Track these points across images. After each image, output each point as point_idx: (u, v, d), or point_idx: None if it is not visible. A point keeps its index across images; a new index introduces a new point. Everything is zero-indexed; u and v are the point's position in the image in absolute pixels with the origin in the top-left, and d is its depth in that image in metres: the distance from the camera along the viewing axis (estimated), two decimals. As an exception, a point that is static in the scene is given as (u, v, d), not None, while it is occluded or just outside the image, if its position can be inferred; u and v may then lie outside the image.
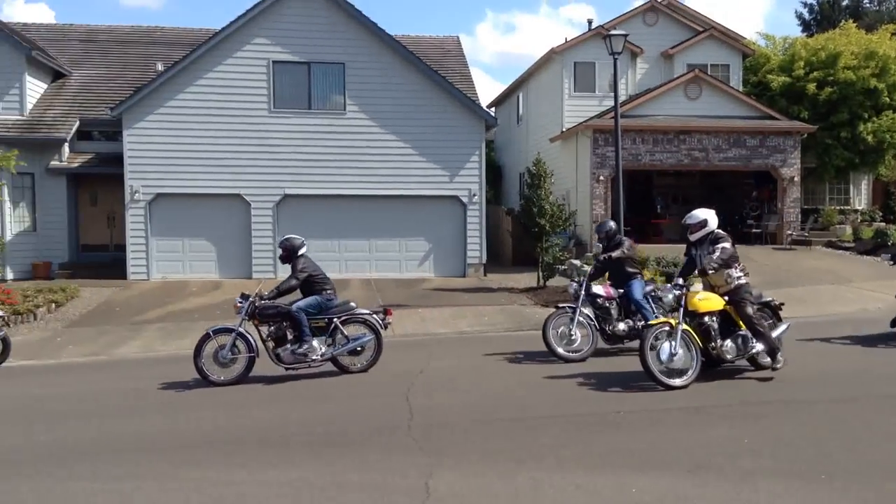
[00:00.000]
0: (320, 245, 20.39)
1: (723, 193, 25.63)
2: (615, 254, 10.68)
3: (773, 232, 23.61)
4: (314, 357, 9.42)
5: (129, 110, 19.62)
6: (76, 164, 21.07)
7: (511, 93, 31.46)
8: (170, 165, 19.74)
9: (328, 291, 9.71)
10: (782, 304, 9.33)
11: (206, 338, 9.39)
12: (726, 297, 8.60)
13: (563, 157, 24.53)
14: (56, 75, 22.91)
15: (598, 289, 10.59)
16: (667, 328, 8.28)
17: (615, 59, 16.50)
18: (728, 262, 8.55)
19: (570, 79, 24.98)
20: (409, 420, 7.33)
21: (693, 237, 8.91)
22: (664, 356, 8.12)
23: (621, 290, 10.64)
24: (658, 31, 26.51)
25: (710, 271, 8.47)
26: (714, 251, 8.50)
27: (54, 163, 20.81)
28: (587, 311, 10.41)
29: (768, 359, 8.64)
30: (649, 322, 9.14)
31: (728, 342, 8.47)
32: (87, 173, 21.31)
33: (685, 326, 8.29)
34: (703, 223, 8.79)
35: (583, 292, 10.36)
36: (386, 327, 9.95)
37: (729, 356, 8.48)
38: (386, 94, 20.47)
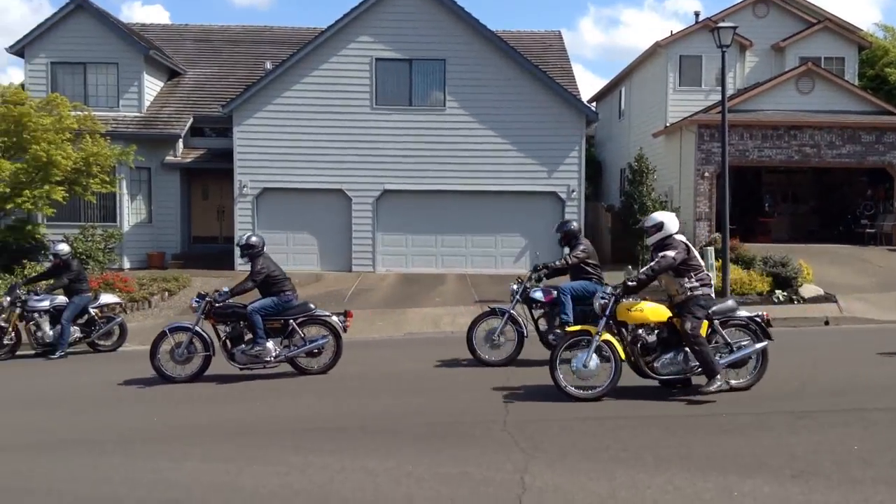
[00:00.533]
0: (418, 240, 20.71)
1: (835, 192, 24.46)
2: (571, 259, 10.03)
3: (889, 232, 22.35)
4: (268, 358, 9.42)
5: (239, 108, 20.39)
6: (189, 160, 22.05)
7: (613, 87, 30.96)
8: (276, 161, 20.40)
9: (287, 293, 9.68)
10: (770, 319, 8.21)
11: (161, 336, 9.54)
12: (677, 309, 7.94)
13: (667, 153, 23.97)
14: (172, 74, 24.02)
15: (538, 294, 10.10)
16: (587, 337, 7.83)
17: (723, 53, 16.00)
18: (680, 270, 7.82)
19: (675, 73, 24.38)
20: (505, 415, 7.34)
21: (649, 241, 8.24)
22: (575, 366, 7.70)
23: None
24: (768, 23, 25.53)
25: (631, 283, 7.81)
26: (655, 258, 7.86)
27: (169, 158, 21.84)
28: (520, 314, 10.10)
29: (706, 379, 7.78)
30: (567, 330, 8.60)
31: (664, 357, 7.84)
32: (200, 168, 22.27)
33: (607, 336, 7.76)
34: (659, 226, 7.99)
35: (518, 296, 10.05)
36: (345, 330, 9.75)
37: (662, 372, 7.86)
38: (486, 89, 20.52)
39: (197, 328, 9.49)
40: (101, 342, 12.34)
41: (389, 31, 20.47)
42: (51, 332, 11.87)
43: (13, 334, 11.96)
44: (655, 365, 7.84)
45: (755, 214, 24.54)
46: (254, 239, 9.82)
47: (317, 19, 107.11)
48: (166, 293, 16.92)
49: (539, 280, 10.26)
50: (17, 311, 11.89)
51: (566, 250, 10.47)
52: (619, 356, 7.74)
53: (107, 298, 12.78)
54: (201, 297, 9.66)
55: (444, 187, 20.58)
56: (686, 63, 24.37)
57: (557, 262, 10.25)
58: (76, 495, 5.63)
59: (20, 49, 21.78)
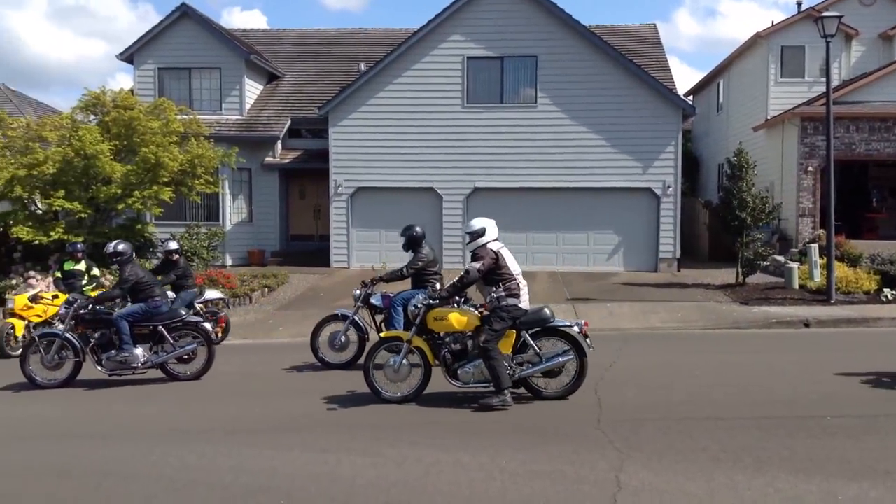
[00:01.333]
0: (508, 238, 20.43)
1: (952, 186, 23.07)
2: (408, 271, 10.30)
3: None
4: (135, 364, 9.46)
5: (335, 109, 20.87)
6: (287, 160, 22.72)
7: (711, 80, 30.10)
8: (370, 161, 20.79)
9: (155, 299, 9.64)
10: (587, 330, 7.92)
11: (31, 343, 9.62)
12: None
13: (768, 147, 23.15)
14: (271, 77, 24.79)
15: (375, 299, 10.37)
16: (398, 342, 8.05)
17: (827, 43, 15.34)
18: (490, 279, 7.81)
19: (777, 64, 23.51)
20: (599, 414, 7.30)
21: (469, 248, 8.13)
22: (386, 370, 7.94)
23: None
24: (876, 12, 24.25)
25: (433, 301, 7.96)
26: (466, 269, 7.85)
27: (268, 159, 22.56)
28: (364, 318, 10.35)
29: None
30: (380, 335, 8.66)
31: (467, 366, 7.82)
32: (297, 168, 22.91)
33: (418, 342, 7.95)
34: (479, 233, 7.98)
35: (360, 301, 10.31)
36: (217, 336, 9.69)
37: (464, 380, 7.85)
38: (578, 85, 20.32)
39: (66, 335, 9.50)
40: (207, 336, 12.84)
41: (481, 30, 20.53)
42: (160, 326, 12.44)
43: (125, 327, 12.59)
44: (459, 372, 7.89)
45: (862, 210, 23.38)
46: (121, 246, 9.76)
47: (409, 20, 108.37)
48: (266, 289, 17.50)
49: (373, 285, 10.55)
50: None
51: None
52: (430, 361, 7.97)
53: (211, 294, 13.30)
54: (69, 304, 9.66)
55: (536, 184, 20.50)
56: (788, 54, 23.47)
57: (397, 272, 10.48)
58: (186, 480, 5.93)
59: (129, 56, 22.93)
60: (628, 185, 20.33)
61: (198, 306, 12.75)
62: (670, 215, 20.19)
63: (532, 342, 7.90)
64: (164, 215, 19.54)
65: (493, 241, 8.07)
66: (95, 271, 13.61)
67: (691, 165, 30.18)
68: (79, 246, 13.64)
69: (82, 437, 7.43)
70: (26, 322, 12.29)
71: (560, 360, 7.85)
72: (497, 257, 7.89)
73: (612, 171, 20.28)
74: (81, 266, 13.28)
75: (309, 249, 22.47)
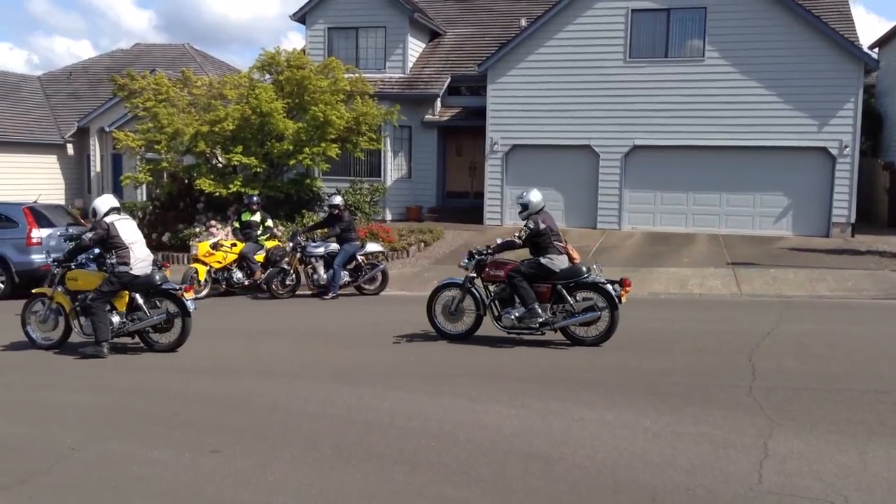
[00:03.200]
0: (667, 197, 20.16)
1: None
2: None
3: None
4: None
5: (494, 66, 20.96)
6: (446, 118, 23.14)
7: (901, 30, 27.50)
8: (526, 118, 20.78)
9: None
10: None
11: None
12: None
13: (964, 104, 21.02)
14: (433, 35, 25.20)
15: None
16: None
17: None
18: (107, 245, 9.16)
19: (981, 10, 21.15)
20: (752, 381, 7.15)
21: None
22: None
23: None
24: None
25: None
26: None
27: (428, 116, 23.07)
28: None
29: None
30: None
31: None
32: (455, 126, 23.30)
33: (58, 298, 9.51)
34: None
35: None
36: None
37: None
38: (750, 37, 19.23)
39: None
40: (367, 286, 13.57)
41: (647, -19, 19.84)
42: (325, 276, 13.27)
43: (294, 276, 13.56)
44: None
45: None
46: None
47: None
48: (422, 244, 18.10)
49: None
50: (298, 255, 13.44)
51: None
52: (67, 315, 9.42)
53: (372, 247, 13.98)
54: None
55: (699, 142, 19.73)
56: None
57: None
58: (348, 418, 6.42)
59: (301, 16, 24.01)
60: (801, 145, 19.15)
61: (360, 258, 13.47)
62: (846, 177, 18.88)
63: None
64: (331, 171, 20.53)
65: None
66: (269, 222, 14.62)
67: (874, 124, 27.81)
68: (255, 198, 14.68)
69: (254, 374, 8.16)
70: (208, 267, 13.47)
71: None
72: (109, 229, 9.04)
73: (783, 129, 19.17)
74: (257, 217, 14.31)
75: (464, 206, 22.91)
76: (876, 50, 28.98)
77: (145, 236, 18.23)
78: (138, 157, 19.71)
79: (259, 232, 14.24)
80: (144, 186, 22.35)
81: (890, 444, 5.41)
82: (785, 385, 6.99)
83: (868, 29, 75.68)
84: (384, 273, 13.71)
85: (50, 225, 15.05)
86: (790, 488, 4.74)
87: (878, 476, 4.89)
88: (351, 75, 19.78)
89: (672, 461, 5.24)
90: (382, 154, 22.58)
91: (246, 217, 14.35)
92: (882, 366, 7.66)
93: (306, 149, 18.21)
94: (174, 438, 6.09)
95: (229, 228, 16.31)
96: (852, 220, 18.90)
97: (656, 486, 4.85)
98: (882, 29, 67.57)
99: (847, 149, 18.80)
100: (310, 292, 13.55)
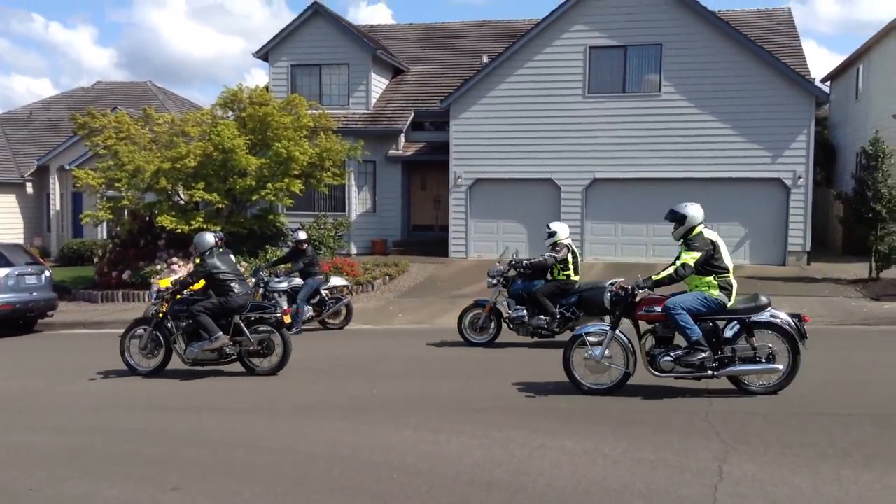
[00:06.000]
0: (628, 228, 20.49)
1: None
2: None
3: None
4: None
5: (456, 101, 21.27)
6: (410, 153, 23.36)
7: (850, 65, 28.42)
8: (489, 152, 21.07)
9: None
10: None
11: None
12: None
13: (910, 135, 21.74)
14: (396, 71, 25.50)
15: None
16: None
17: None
18: None
19: (922, 46, 22.00)
20: (708, 407, 7.28)
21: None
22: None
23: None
24: None
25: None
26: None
27: (392, 151, 23.27)
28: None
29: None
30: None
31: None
32: (419, 160, 23.52)
33: None
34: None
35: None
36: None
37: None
38: (704, 72, 19.81)
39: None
40: (331, 321, 13.55)
41: (604, 19, 20.36)
42: (288, 311, 13.21)
43: (257, 312, 13.46)
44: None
45: None
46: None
47: (533, 10, 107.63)
48: (387, 277, 18.15)
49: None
50: (261, 290, 13.37)
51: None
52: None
53: (336, 281, 13.99)
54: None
55: (658, 175, 20.16)
56: (937, 34, 21.93)
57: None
58: (308, 452, 6.42)
59: (264, 53, 24.19)
60: (756, 176, 19.67)
61: (323, 292, 13.46)
62: (800, 206, 19.40)
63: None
64: (295, 206, 20.57)
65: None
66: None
67: (827, 155, 28.65)
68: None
69: (216, 410, 8.11)
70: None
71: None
72: None
73: (739, 160, 19.68)
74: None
75: (429, 239, 23.04)
76: (828, 83, 29.93)
77: (105, 274, 18.28)
78: (98, 194, 19.54)
79: None
80: (105, 224, 22.14)
81: (840, 464, 5.56)
82: (740, 409, 7.14)
83: (819, 62, 78.15)
84: (348, 307, 13.72)
85: (8, 264, 14.83)
86: (744, 510, 4.85)
87: (829, 496, 5.02)
88: (314, 111, 19.92)
89: (630, 486, 5.33)
90: (347, 188, 22.69)
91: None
92: (835, 390, 7.86)
93: (269, 184, 18.24)
94: (134, 477, 6.03)
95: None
96: (808, 248, 19.36)
97: (614, 512, 4.93)
98: (832, 62, 69.80)
99: (801, 179, 19.33)
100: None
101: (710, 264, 7.60)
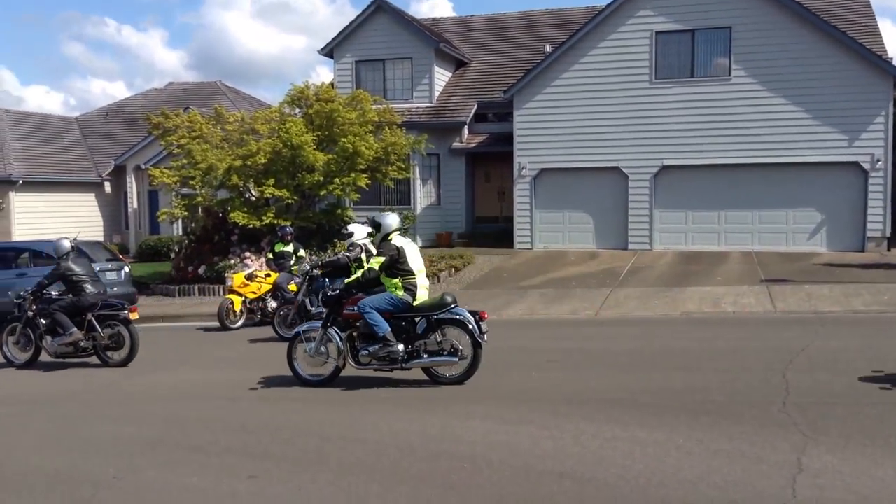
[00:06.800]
0: (698, 216, 20.08)
1: None
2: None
3: None
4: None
5: (520, 92, 21.15)
6: (473, 144, 23.35)
7: (931, 41, 27.24)
8: (553, 142, 20.89)
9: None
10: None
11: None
12: None
13: None
14: (458, 64, 25.51)
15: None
16: None
17: None
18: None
19: None
20: (786, 397, 7.10)
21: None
22: None
23: None
24: None
25: None
26: None
27: (455, 144, 23.30)
28: None
29: None
30: None
31: None
32: (482, 152, 23.49)
33: None
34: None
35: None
36: None
37: None
38: (776, 54, 19.21)
39: None
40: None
41: (670, 3, 19.93)
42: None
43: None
44: None
45: None
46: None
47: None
48: (453, 269, 18.21)
49: None
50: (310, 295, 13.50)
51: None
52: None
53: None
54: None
55: (729, 161, 19.67)
56: None
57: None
58: (378, 442, 6.50)
59: (329, 51, 24.50)
60: (832, 160, 19.00)
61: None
62: (879, 191, 18.66)
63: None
64: (361, 200, 20.80)
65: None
66: (301, 252, 14.81)
67: (909, 136, 27.49)
68: (288, 229, 14.91)
69: (291, 400, 8.29)
70: (243, 297, 13.70)
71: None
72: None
73: (813, 144, 19.04)
74: (290, 248, 14.54)
75: (493, 231, 23.00)
76: (907, 62, 28.59)
77: (181, 269, 18.86)
78: (174, 192, 20.16)
79: (292, 262, 14.46)
80: (180, 221, 22.82)
81: (926, 457, 5.36)
82: (819, 400, 6.94)
83: (899, 41, 74.83)
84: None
85: (90, 261, 15.40)
86: (824, 502, 4.72)
87: (915, 489, 4.84)
88: (379, 106, 20.09)
89: (705, 478, 5.23)
90: (412, 182, 22.83)
91: (279, 248, 14.58)
92: (917, 379, 7.56)
93: (336, 179, 18.49)
94: (212, 466, 6.21)
95: (263, 259, 16.57)
96: (888, 233, 18.64)
97: (689, 503, 4.85)
98: (913, 41, 66.64)
99: (879, 162, 18.61)
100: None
101: (396, 267, 8.35)
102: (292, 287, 14.14)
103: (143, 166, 26.65)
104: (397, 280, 8.38)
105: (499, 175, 23.70)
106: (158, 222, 24.31)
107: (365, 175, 18.88)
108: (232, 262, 18.01)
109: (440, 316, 8.38)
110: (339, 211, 19.98)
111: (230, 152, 18.78)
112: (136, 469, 6.23)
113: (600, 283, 15.78)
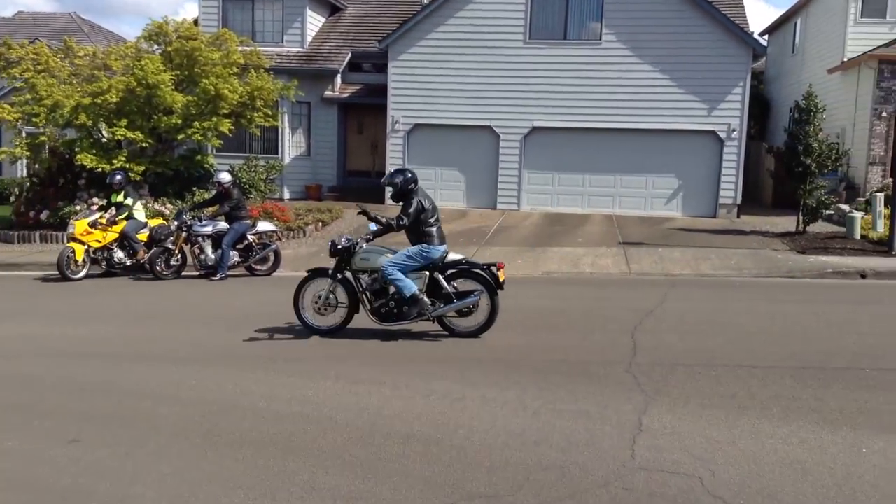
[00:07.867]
0: (565, 179, 20.43)
1: None
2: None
3: None
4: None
5: (395, 43, 20.64)
6: (347, 95, 22.71)
7: (787, 19, 28.68)
8: (428, 97, 20.59)
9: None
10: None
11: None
12: None
13: (841, 91, 22.10)
14: (333, 9, 24.63)
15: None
16: None
17: (912, -22, 14.42)
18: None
19: (857, 2, 22.19)
20: (632, 357, 7.27)
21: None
22: None
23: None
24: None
25: None
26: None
27: (328, 93, 22.58)
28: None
29: None
30: None
31: None
32: (356, 103, 22.89)
33: None
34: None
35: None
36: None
37: None
38: (645, 21, 19.58)
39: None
40: (258, 267, 13.15)
41: (546, -38, 19.90)
42: (213, 256, 12.78)
43: (179, 256, 13.00)
44: None
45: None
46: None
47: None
48: (320, 223, 17.74)
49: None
50: (184, 234, 12.87)
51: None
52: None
53: (264, 226, 13.53)
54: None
55: (596, 125, 20.04)
56: (871, -9, 22.15)
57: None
58: (221, 404, 6.16)
59: (195, -13, 23.04)
60: (692, 128, 19.71)
61: (251, 238, 13.04)
62: (733, 160, 19.57)
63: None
64: (224, 147, 19.83)
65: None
66: (129, 201, 13.52)
67: (762, 109, 29.07)
68: (118, 177, 13.39)
69: (127, 358, 7.76)
70: (86, 246, 12.76)
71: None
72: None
73: (675, 112, 19.68)
74: (122, 198, 13.39)
75: (366, 185, 22.57)
76: (766, 37, 30.16)
77: (22, 214, 17.44)
78: (16, 130, 18.50)
79: (125, 214, 13.33)
80: (23, 161, 21.07)
81: (758, 417, 5.57)
82: (663, 361, 7.13)
83: (759, 15, 78.98)
84: (276, 253, 13.33)
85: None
86: (660, 464, 4.80)
87: (745, 449, 5.01)
88: (245, 48, 19.10)
89: (548, 439, 5.24)
90: (280, 131, 22.00)
91: (113, 198, 13.53)
92: (757, 341, 7.92)
93: (196, 123, 17.48)
94: (32, 428, 5.70)
95: (114, 209, 15.48)
96: (738, 201, 19.62)
97: (531, 465, 4.83)
98: (773, 16, 70.47)
99: (735, 132, 19.48)
100: (197, 273, 13.03)
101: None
102: (142, 237, 13.35)
103: (-18, 100, 24.37)
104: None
105: (372, 128, 23.20)
106: (-1, 162, 22.35)
107: (228, 120, 17.92)
108: (78, 207, 16.76)
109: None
110: (200, 157, 18.97)
111: (79, 89, 17.37)
112: (-60, 434, 5.63)
113: (468, 241, 15.78)
